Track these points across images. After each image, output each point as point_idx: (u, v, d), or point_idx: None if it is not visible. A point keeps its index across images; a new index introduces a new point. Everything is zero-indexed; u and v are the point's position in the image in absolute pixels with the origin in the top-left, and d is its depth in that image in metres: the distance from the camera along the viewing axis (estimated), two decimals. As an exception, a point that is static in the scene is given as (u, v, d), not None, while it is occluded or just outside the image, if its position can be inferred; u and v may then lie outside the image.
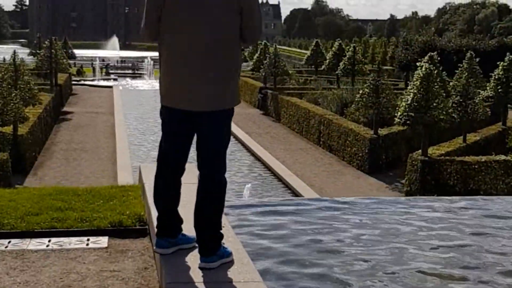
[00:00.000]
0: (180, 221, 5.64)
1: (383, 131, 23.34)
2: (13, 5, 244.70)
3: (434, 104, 19.05)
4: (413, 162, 19.22)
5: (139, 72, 67.03)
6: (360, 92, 23.46)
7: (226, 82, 5.24)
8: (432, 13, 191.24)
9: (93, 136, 28.13)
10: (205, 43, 5.08)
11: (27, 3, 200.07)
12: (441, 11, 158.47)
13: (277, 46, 43.69)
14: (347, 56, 36.54)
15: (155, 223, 5.81)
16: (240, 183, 21.05)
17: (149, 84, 53.58)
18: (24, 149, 20.92)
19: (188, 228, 5.68)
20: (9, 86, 18.26)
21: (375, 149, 22.67)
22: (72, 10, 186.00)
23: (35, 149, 23.04)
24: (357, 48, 37.55)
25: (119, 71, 67.11)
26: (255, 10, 5.23)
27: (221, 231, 5.41)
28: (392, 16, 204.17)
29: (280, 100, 33.89)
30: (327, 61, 39.42)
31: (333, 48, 40.12)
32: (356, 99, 23.69)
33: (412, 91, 19.30)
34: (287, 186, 20.78)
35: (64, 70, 37.41)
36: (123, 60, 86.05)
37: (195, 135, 5.40)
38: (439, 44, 37.42)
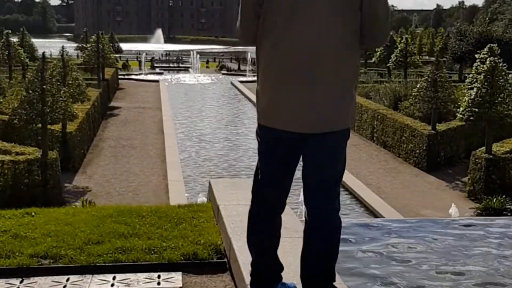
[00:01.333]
0: (280, 267, 4.64)
1: (441, 127, 22.33)
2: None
3: (499, 99, 18.01)
4: (477, 160, 18.23)
5: (184, 65, 66.77)
6: (418, 86, 22.45)
7: (341, 97, 4.19)
8: (479, 2, 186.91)
9: (141, 132, 27.72)
10: (315, 48, 4.06)
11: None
12: (489, 1, 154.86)
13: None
14: (399, 48, 35.42)
15: (243, 263, 4.85)
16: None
17: (195, 78, 53.22)
18: (73, 146, 20.57)
19: (290, 276, 4.69)
20: (58, 83, 17.84)
21: (433, 146, 21.70)
22: (117, 4, 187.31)
23: (84, 146, 22.70)
24: (409, 39, 36.39)
25: (164, 65, 66.93)
26: (380, 1, 4.14)
27: (334, 284, 4.39)
28: (438, 6, 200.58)
29: (330, 94, 32.99)
30: (378, 53, 38.34)
31: (384, 40, 38.92)
32: (413, 93, 22.71)
33: (475, 85, 18.27)
34: (342, 185, 19.97)
35: (111, 64, 37.15)
36: (167, 53, 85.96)
37: (301, 162, 4.40)
38: (495, 34, 36.04)
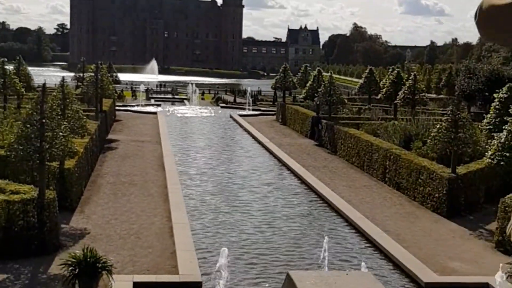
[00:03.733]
0: None
1: (461, 170, 21.10)
2: (54, 28, 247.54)
3: (531, 143, 16.85)
4: (506, 208, 16.95)
5: (179, 97, 65.66)
6: (437, 126, 21.28)
7: None
8: (471, 39, 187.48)
9: (141, 168, 26.37)
10: None
11: (68, 26, 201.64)
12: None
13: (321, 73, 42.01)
14: (407, 84, 34.39)
15: None
16: (304, 229, 19.04)
17: (192, 111, 52.02)
18: (70, 183, 19.21)
19: None
20: (58, 116, 16.53)
21: (454, 190, 20.44)
22: (112, 34, 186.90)
23: (82, 182, 21.33)
24: (417, 76, 35.38)
25: (159, 96, 65.81)
26: None
27: None
28: (432, 42, 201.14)
29: (336, 131, 31.84)
30: (384, 89, 37.31)
31: (391, 76, 37.99)
32: (432, 134, 21.52)
33: (506, 127, 17.11)
34: (358, 230, 18.67)
35: (109, 95, 35.93)
36: (162, 84, 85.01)
37: None
38: (507, 73, 35.11)
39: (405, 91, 33.94)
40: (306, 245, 17.32)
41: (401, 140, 27.69)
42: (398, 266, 15.65)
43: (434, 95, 59.73)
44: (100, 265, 13.11)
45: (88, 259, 13.03)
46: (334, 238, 17.40)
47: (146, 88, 63.86)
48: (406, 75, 42.88)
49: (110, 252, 15.37)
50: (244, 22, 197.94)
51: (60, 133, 15.78)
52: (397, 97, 34.57)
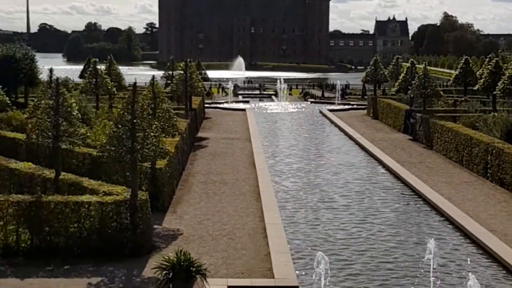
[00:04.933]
0: None
1: None
2: (144, 27, 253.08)
3: None
4: None
5: (266, 93, 65.31)
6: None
7: None
8: None
9: (231, 166, 26.05)
10: None
11: (157, 25, 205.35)
12: None
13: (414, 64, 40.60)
14: (507, 74, 32.61)
15: None
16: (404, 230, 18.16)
17: (281, 106, 51.53)
18: (162, 184, 19.05)
19: None
20: (149, 116, 16.30)
21: None
22: (199, 31, 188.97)
23: (173, 182, 21.16)
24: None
25: (247, 92, 65.66)
26: None
27: None
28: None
29: (432, 125, 30.54)
30: (482, 80, 35.57)
31: (489, 66, 36.18)
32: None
33: None
34: (461, 229, 17.60)
35: (199, 93, 35.87)
36: (249, 80, 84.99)
37: None
38: None
39: (505, 81, 32.18)
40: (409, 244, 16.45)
41: (503, 133, 26.22)
42: (507, 269, 14.57)
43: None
44: (194, 269, 12.77)
45: (182, 263, 12.71)
46: (437, 240, 16.43)
47: (234, 85, 64.02)
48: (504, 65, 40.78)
49: (203, 254, 15.04)
50: (331, 15, 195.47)
51: (151, 133, 15.53)
52: (496, 87, 32.84)
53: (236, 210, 19.32)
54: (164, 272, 12.62)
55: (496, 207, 19.98)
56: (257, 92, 66.80)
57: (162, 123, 19.83)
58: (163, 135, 18.50)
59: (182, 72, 33.36)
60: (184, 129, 25.78)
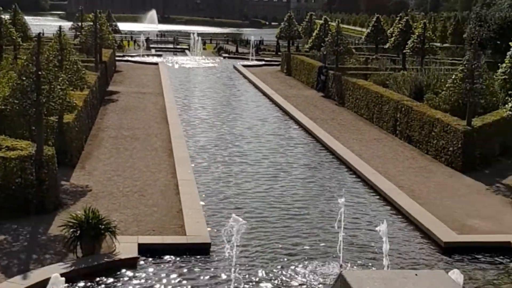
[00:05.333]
0: None
1: (476, 122, 20.24)
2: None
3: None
4: (527, 163, 16.16)
5: (180, 47, 64.21)
6: (452, 76, 20.34)
7: None
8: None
9: (143, 121, 25.51)
10: None
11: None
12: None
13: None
14: (416, 33, 33.22)
15: None
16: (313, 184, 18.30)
17: (195, 61, 50.80)
18: (70, 138, 18.37)
19: None
20: (56, 68, 15.58)
21: (469, 144, 19.62)
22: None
23: (82, 137, 20.49)
24: (427, 25, 34.14)
25: (160, 46, 64.35)
26: None
27: None
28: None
29: (344, 82, 30.85)
30: (393, 39, 36.08)
31: (400, 25, 36.71)
32: (447, 85, 20.62)
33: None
34: (371, 187, 17.91)
35: (109, 46, 34.81)
36: (162, 33, 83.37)
37: None
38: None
39: (415, 40, 32.79)
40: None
41: (412, 91, 26.76)
42: (414, 224, 14.94)
43: (439, 44, 58.36)
44: (103, 226, 12.41)
45: (90, 220, 12.32)
46: (346, 196, 16.63)
47: (146, 38, 62.49)
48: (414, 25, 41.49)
49: (112, 211, 14.67)
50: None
51: (58, 86, 14.88)
52: (406, 46, 33.43)
53: (147, 166, 18.95)
54: (72, 230, 12.20)
55: (404, 164, 20.43)
56: (170, 46, 65.56)
57: (69, 75, 19.05)
58: (71, 88, 17.76)
59: (91, 23, 32.20)
60: (93, 82, 24.97)
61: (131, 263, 12.11)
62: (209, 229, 13.92)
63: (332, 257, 12.93)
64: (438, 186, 18.06)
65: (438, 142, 20.90)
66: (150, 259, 12.48)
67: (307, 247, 13.52)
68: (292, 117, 27.83)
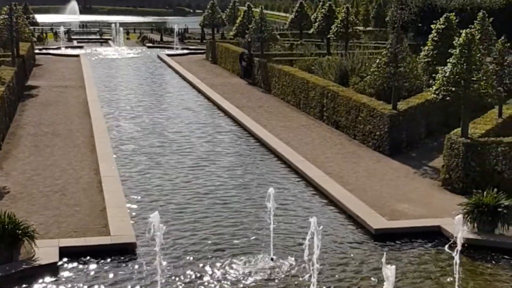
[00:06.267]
0: None
1: (402, 105, 20.32)
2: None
3: (477, 77, 16.03)
4: (453, 145, 16.25)
5: (102, 37, 62.70)
6: (377, 61, 20.32)
7: None
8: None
9: (64, 115, 24.62)
10: None
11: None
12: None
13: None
14: (340, 18, 33.29)
15: None
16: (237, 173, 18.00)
17: (118, 52, 49.59)
18: (-15, 138, 17.48)
19: None
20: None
21: (395, 127, 19.68)
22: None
23: (-1, 136, 19.58)
24: (350, 9, 34.22)
25: (82, 37, 62.70)
26: None
27: None
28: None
29: (270, 69, 30.61)
30: (317, 24, 36.05)
31: (323, 10, 36.71)
32: (372, 69, 20.60)
33: (450, 61, 16.22)
34: (301, 175, 17.70)
35: (27, 39, 33.50)
36: (84, 24, 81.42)
37: None
38: (439, 3, 34.25)
39: (338, 25, 32.86)
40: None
41: (337, 76, 26.77)
42: (344, 212, 14.81)
43: (362, 28, 58.88)
44: (20, 231, 11.73)
45: (7, 226, 11.62)
46: (273, 184, 16.37)
47: (67, 30, 60.77)
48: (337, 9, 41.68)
49: (32, 213, 13.98)
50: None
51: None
52: (330, 31, 33.48)
53: (69, 163, 18.21)
54: (-14, 237, 11.48)
55: (332, 150, 20.34)
56: (93, 37, 63.98)
57: (-19, 72, 18.08)
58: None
59: (6, 16, 30.84)
60: (10, 77, 23.91)
61: (51, 269, 11.47)
62: (132, 222, 13.42)
63: (260, 247, 12.63)
64: (367, 171, 18.03)
65: (365, 127, 20.90)
66: (72, 263, 11.87)
67: (237, 241, 13.18)
68: (218, 106, 27.41)
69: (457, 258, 10.87)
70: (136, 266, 11.86)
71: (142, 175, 17.73)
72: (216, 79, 35.03)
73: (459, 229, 11.05)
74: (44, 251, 11.85)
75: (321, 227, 10.43)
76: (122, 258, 12.13)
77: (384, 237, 13.34)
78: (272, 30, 33.85)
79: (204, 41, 51.86)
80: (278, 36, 35.51)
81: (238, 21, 40.29)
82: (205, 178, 17.49)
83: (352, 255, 12.60)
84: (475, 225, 13.24)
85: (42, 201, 15.02)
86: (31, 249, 11.83)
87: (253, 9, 40.87)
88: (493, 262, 12.32)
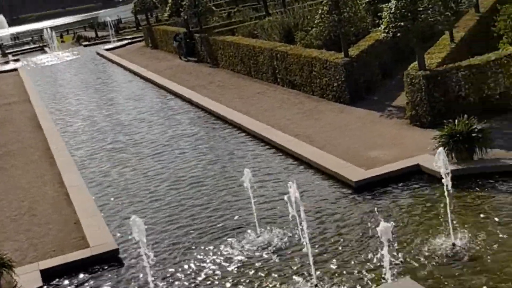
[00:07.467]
0: None
1: (353, 52, 20.00)
2: None
3: (423, 7, 15.73)
4: (413, 80, 16.00)
5: (37, 45, 61.01)
6: (319, 11, 19.90)
7: None
8: None
9: (14, 133, 23.75)
10: None
11: None
12: None
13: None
14: (272, -23, 32.77)
15: None
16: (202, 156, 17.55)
17: (55, 57, 48.23)
18: None
19: None
20: None
21: (351, 74, 19.38)
22: None
23: (-49, 169, 18.73)
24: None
25: (15, 50, 60.96)
26: None
27: None
28: None
29: (213, 42, 29.99)
30: (250, -13, 35.49)
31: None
32: (316, 21, 20.17)
33: (394, -5, 15.88)
34: (268, 143, 17.31)
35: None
36: (15, 36, 79.31)
37: None
38: None
39: (272, -16, 32.31)
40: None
41: (282, 35, 26.35)
42: (320, 171, 14.48)
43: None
44: (-4, 264, 11.16)
45: (-20, 261, 11.04)
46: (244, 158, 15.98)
47: (0, 44, 59.04)
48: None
49: (4, 241, 13.39)
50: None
51: None
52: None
53: (30, 182, 17.51)
54: (-40, 277, 10.89)
55: (293, 111, 19.97)
56: (27, 47, 62.25)
57: None
58: None
59: None
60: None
61: (36, 295, 10.96)
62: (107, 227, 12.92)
63: (245, 219, 12.29)
64: (332, 124, 17.72)
65: (321, 81, 20.56)
66: (57, 284, 11.35)
67: (218, 214, 12.82)
68: (169, 91, 26.77)
69: (446, 189, 10.58)
70: (122, 273, 11.40)
71: (106, 173, 17.17)
72: (160, 64, 34.27)
73: (445, 161, 10.70)
74: (26, 278, 11.31)
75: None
76: (106, 267, 11.63)
77: (365, 187, 13.02)
78: (206, 3, 33.13)
79: (140, 28, 50.82)
80: (213, 8, 34.81)
81: (170, 0, 39.35)
82: (172, 161, 17.00)
83: (336, 214, 12.28)
84: (453, 155, 13.04)
85: (12, 226, 14.39)
86: (11, 279, 11.26)
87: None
88: (478, 189, 12.14)
